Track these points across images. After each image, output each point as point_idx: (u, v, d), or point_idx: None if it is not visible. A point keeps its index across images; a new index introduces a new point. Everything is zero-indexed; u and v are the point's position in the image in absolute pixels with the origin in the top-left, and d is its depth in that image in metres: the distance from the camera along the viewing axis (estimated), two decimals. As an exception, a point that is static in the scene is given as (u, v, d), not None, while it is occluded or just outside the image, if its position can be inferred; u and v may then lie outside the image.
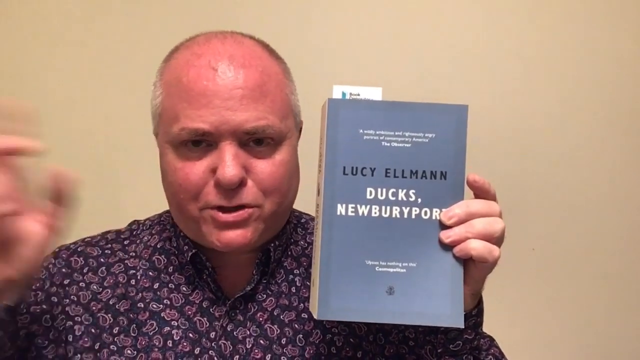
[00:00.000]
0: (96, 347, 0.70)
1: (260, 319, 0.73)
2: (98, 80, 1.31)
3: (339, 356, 0.73)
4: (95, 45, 1.30)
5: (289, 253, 0.79)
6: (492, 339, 0.76)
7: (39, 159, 0.53)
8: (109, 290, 0.74)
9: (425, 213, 0.61)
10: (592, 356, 1.29)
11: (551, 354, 1.29)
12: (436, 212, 0.61)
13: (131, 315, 0.72)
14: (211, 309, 0.73)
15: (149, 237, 0.79)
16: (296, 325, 0.74)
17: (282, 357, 0.72)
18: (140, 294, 0.74)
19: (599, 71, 1.27)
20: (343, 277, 0.59)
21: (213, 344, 0.71)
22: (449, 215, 0.60)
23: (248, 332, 0.72)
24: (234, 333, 0.72)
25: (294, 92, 0.75)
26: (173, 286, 0.74)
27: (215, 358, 0.71)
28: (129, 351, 0.70)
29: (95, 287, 0.74)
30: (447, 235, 0.60)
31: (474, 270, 0.61)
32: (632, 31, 1.27)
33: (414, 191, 0.61)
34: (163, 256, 0.76)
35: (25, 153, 0.52)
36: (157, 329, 0.72)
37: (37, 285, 0.73)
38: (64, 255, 0.76)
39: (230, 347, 0.71)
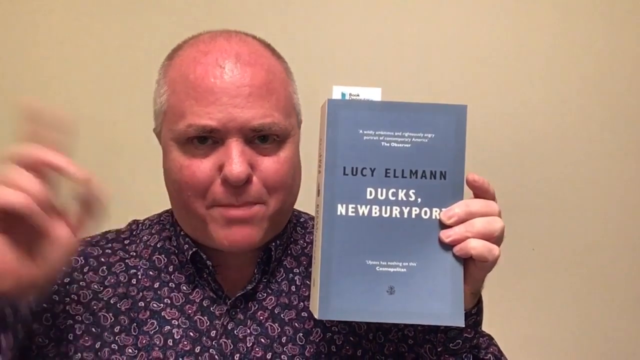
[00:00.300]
0: (97, 346, 0.70)
1: (261, 317, 0.74)
2: (98, 80, 1.31)
3: (339, 355, 0.73)
4: (95, 45, 1.31)
5: (289, 252, 0.79)
6: (491, 338, 0.76)
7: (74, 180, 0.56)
8: (110, 290, 0.74)
9: (425, 213, 0.61)
10: (592, 356, 1.29)
11: (551, 354, 1.29)
12: (436, 211, 0.61)
13: (132, 315, 0.72)
14: (211, 308, 0.73)
15: (149, 236, 0.79)
16: (296, 324, 0.74)
17: (282, 356, 0.72)
18: (140, 293, 0.74)
19: (599, 71, 1.27)
20: (343, 277, 0.59)
21: (214, 343, 0.71)
22: (448, 215, 0.60)
23: (249, 331, 0.73)
24: (235, 332, 0.72)
25: (296, 91, 0.76)
26: (173, 285, 0.75)
27: (215, 357, 0.71)
28: (129, 350, 0.70)
29: (96, 286, 0.74)
30: (447, 235, 0.60)
31: (474, 269, 0.61)
32: (632, 31, 1.27)
33: (413, 191, 0.61)
34: (163, 255, 0.77)
35: (64, 175, 0.55)
36: (157, 328, 0.72)
37: None
38: None
39: (230, 346, 0.71)
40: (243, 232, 0.69)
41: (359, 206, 0.60)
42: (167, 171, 0.72)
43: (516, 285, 1.27)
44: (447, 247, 0.60)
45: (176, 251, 0.76)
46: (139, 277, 0.75)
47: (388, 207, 0.61)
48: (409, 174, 0.61)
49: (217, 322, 0.73)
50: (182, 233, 0.75)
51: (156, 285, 0.74)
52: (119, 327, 0.72)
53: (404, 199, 0.61)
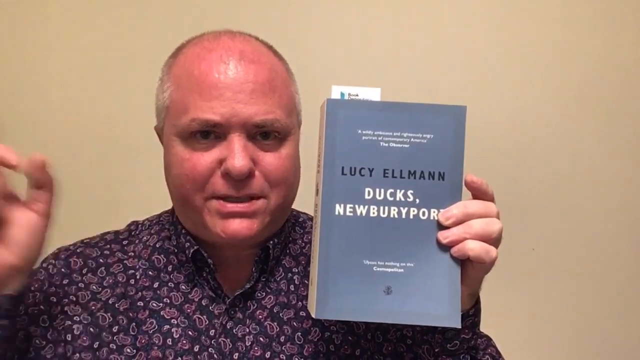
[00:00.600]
0: (95, 346, 0.71)
1: (260, 316, 0.74)
2: (98, 81, 1.31)
3: (337, 354, 0.73)
4: (96, 45, 1.31)
5: (288, 252, 0.79)
6: (489, 339, 0.76)
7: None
8: (109, 290, 0.74)
9: (423, 213, 0.61)
10: (591, 356, 1.29)
11: (551, 354, 1.29)
12: (434, 212, 0.61)
13: (130, 314, 0.72)
14: (210, 307, 0.74)
15: (148, 236, 0.79)
16: (295, 323, 0.74)
17: (281, 355, 0.72)
18: (139, 293, 0.74)
19: (599, 71, 1.27)
20: (341, 277, 0.59)
21: (212, 342, 0.72)
22: (446, 216, 0.60)
23: (247, 330, 0.73)
24: (234, 331, 0.72)
25: (297, 92, 0.77)
26: (172, 285, 0.75)
27: (214, 355, 0.71)
28: (128, 350, 0.71)
29: (94, 287, 0.74)
30: (444, 236, 0.60)
31: (472, 270, 0.61)
32: (632, 31, 1.27)
33: (412, 191, 0.61)
34: (162, 255, 0.77)
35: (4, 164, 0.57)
36: (156, 327, 0.72)
37: (36, 286, 0.73)
38: (62, 256, 0.76)
39: (229, 345, 0.72)
40: (242, 225, 0.69)
41: (357, 206, 0.60)
42: (168, 165, 0.72)
43: (516, 285, 1.28)
44: (445, 248, 0.60)
45: (176, 250, 0.77)
46: (138, 277, 0.75)
47: (386, 208, 0.61)
48: (407, 174, 0.61)
49: (216, 321, 0.73)
50: (182, 231, 0.75)
51: (155, 285, 0.75)
52: (117, 327, 0.72)
53: (402, 199, 0.61)
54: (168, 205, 0.81)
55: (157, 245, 0.78)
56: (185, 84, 0.69)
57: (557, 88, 1.27)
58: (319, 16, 1.29)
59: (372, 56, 1.28)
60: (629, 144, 1.27)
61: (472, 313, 0.66)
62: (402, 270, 0.60)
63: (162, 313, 0.73)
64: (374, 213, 0.60)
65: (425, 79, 1.28)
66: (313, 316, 0.60)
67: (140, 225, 0.82)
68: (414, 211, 0.61)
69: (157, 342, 0.71)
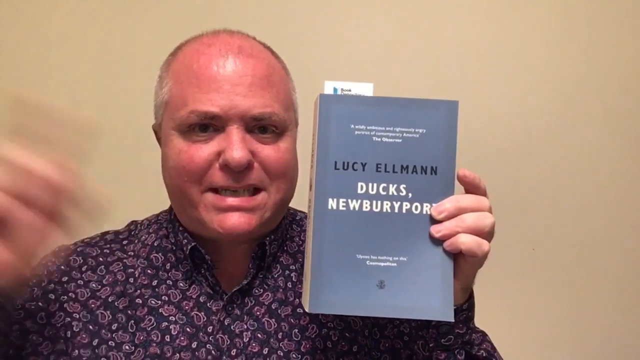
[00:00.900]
0: (94, 344, 0.71)
1: (258, 313, 0.74)
2: (98, 81, 1.32)
3: (334, 350, 0.74)
4: (96, 45, 1.32)
5: (285, 249, 0.80)
6: (484, 334, 0.76)
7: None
8: (108, 288, 0.75)
9: (416, 208, 0.61)
10: (591, 356, 1.28)
11: (551, 354, 1.29)
12: (427, 206, 0.61)
13: (129, 312, 0.73)
14: (208, 304, 0.74)
15: (147, 236, 0.80)
16: (292, 320, 0.75)
17: (278, 351, 0.72)
18: (138, 291, 0.74)
19: (600, 70, 1.27)
20: (334, 271, 0.60)
21: (210, 338, 0.72)
22: (439, 210, 0.61)
23: (245, 326, 0.73)
24: (231, 327, 0.73)
25: (294, 90, 0.78)
26: (171, 282, 0.75)
27: (212, 352, 0.71)
28: (126, 347, 0.71)
29: (94, 285, 0.75)
30: (437, 230, 0.60)
31: (464, 264, 0.61)
32: (632, 31, 1.26)
33: (404, 186, 0.61)
34: (160, 254, 0.77)
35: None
36: (155, 324, 0.72)
37: (34, 281, 0.74)
38: (62, 255, 0.77)
39: (227, 341, 0.72)
40: (240, 219, 0.69)
41: (349, 201, 0.61)
42: (165, 160, 0.73)
43: (516, 285, 1.27)
44: (438, 242, 0.61)
45: (174, 248, 0.77)
46: (137, 275, 0.76)
47: (379, 202, 0.61)
48: (400, 169, 0.61)
49: (213, 317, 0.73)
50: (180, 228, 0.76)
51: (154, 283, 0.75)
52: (116, 324, 0.72)
53: (395, 193, 0.61)
54: (168, 205, 0.81)
55: (155, 244, 0.78)
56: (184, 78, 0.70)
57: (557, 86, 1.27)
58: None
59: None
60: (629, 143, 1.27)
61: (465, 307, 0.66)
62: (395, 264, 0.60)
63: (160, 310, 0.73)
64: (366, 207, 0.61)
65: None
66: (307, 311, 0.60)
67: (139, 225, 0.83)
68: (406, 205, 0.61)
69: (155, 339, 0.72)
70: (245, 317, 0.74)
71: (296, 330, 0.74)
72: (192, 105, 0.68)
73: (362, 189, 0.61)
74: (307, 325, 0.74)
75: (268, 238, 0.75)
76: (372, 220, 0.61)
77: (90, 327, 0.72)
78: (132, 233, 0.81)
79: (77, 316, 0.72)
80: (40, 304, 0.72)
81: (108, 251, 0.78)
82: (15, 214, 0.52)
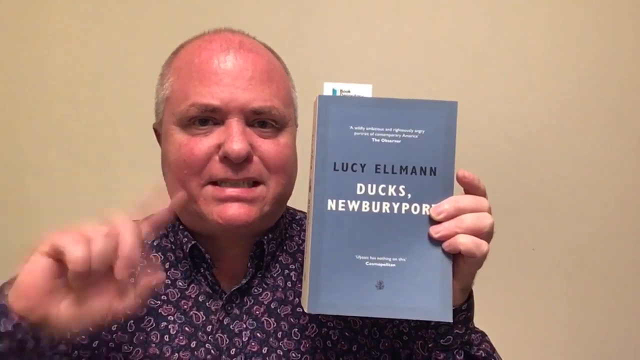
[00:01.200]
0: (94, 345, 0.71)
1: (257, 312, 0.74)
2: (98, 81, 1.32)
3: (334, 350, 0.74)
4: (96, 45, 1.32)
5: (284, 248, 0.80)
6: (483, 334, 0.76)
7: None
8: None
9: (415, 208, 0.61)
10: (591, 356, 1.29)
11: (551, 354, 1.29)
12: (426, 207, 0.61)
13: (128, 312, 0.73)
14: (207, 303, 0.74)
15: (146, 235, 0.80)
16: (292, 319, 0.75)
17: (278, 351, 0.72)
18: None
19: (600, 71, 1.27)
20: (333, 272, 0.60)
21: (209, 338, 0.72)
22: (438, 211, 0.60)
23: (244, 326, 0.73)
24: (231, 326, 0.73)
25: (294, 89, 0.78)
26: (169, 282, 0.75)
27: (211, 351, 0.71)
28: (126, 347, 0.71)
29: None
30: (436, 231, 0.60)
31: (463, 265, 0.61)
32: (632, 31, 1.26)
33: (403, 187, 0.61)
34: (159, 253, 0.78)
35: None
36: (154, 324, 0.73)
37: None
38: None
39: (226, 341, 0.72)
40: (240, 209, 0.69)
41: (349, 201, 0.61)
42: (166, 154, 0.73)
43: (516, 285, 1.27)
44: (437, 242, 0.61)
45: (173, 247, 0.77)
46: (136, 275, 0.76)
47: (378, 203, 0.61)
48: (399, 169, 0.61)
49: (212, 317, 0.73)
50: (180, 227, 0.76)
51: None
52: (115, 325, 0.72)
53: (394, 194, 0.61)
54: (167, 205, 0.81)
55: (155, 244, 0.79)
56: (185, 73, 0.71)
57: (557, 87, 1.27)
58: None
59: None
60: (629, 144, 1.27)
61: (464, 308, 0.66)
62: (394, 265, 0.60)
63: (159, 310, 0.73)
64: (366, 208, 0.61)
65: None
66: (306, 311, 0.60)
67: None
68: (405, 206, 0.61)
69: (154, 339, 0.72)
70: (245, 316, 0.74)
71: (296, 329, 0.74)
72: (193, 98, 0.69)
73: (361, 189, 0.61)
74: (306, 325, 0.75)
75: (266, 237, 0.75)
76: (371, 221, 0.61)
77: (91, 328, 0.72)
78: None
79: None
80: None
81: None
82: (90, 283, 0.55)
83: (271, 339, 0.73)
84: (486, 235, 0.61)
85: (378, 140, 0.61)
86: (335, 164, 0.61)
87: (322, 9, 1.29)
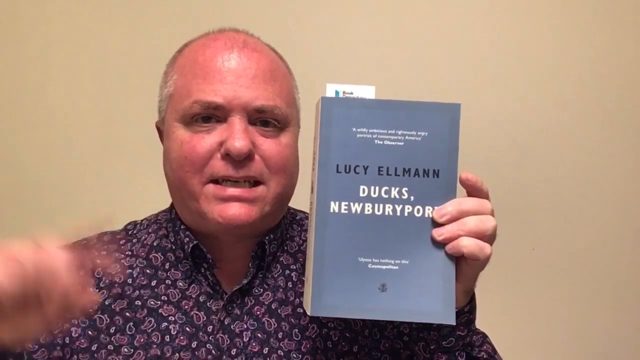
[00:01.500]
0: (93, 348, 0.71)
1: (258, 312, 0.74)
2: (98, 81, 1.32)
3: (334, 350, 0.74)
4: (95, 45, 1.32)
5: (285, 249, 0.80)
6: (485, 336, 0.76)
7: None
8: (105, 292, 0.74)
9: (418, 211, 0.61)
10: (591, 356, 1.29)
11: (551, 354, 1.29)
12: (429, 209, 0.61)
13: (127, 314, 0.73)
14: (208, 303, 0.74)
15: (146, 235, 0.80)
16: (292, 320, 0.75)
17: (278, 351, 0.72)
18: (137, 292, 0.74)
19: (600, 71, 1.27)
20: (336, 274, 0.60)
21: (210, 338, 0.72)
22: (441, 213, 0.60)
23: (245, 326, 0.73)
24: (231, 327, 0.73)
25: (297, 89, 0.78)
26: (170, 282, 0.75)
27: (212, 351, 0.71)
28: (125, 349, 0.71)
29: (91, 289, 0.74)
30: (439, 233, 0.60)
31: (466, 267, 0.61)
32: (632, 31, 1.26)
33: (406, 189, 0.61)
34: (160, 253, 0.77)
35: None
36: (155, 325, 0.72)
37: None
38: None
39: (227, 341, 0.72)
40: (241, 209, 0.69)
41: (352, 204, 0.61)
42: (168, 152, 0.73)
43: (516, 286, 1.27)
44: (439, 245, 0.61)
45: (173, 247, 0.77)
46: (135, 276, 0.76)
47: (381, 205, 0.61)
48: (402, 172, 0.61)
49: (213, 317, 0.73)
50: (182, 227, 0.76)
51: (153, 283, 0.75)
52: (114, 327, 0.72)
53: (397, 196, 0.61)
54: (167, 205, 0.81)
55: (155, 244, 0.78)
56: (189, 70, 0.71)
57: (558, 88, 1.27)
58: (313, 15, 1.29)
59: (367, 54, 1.28)
60: (629, 144, 1.27)
61: (467, 310, 0.66)
62: (396, 267, 0.60)
63: (160, 311, 0.73)
64: (368, 210, 0.61)
65: (420, 77, 1.28)
66: (308, 314, 0.60)
67: (138, 225, 0.82)
68: (408, 208, 0.61)
69: (155, 340, 0.71)
70: (245, 316, 0.74)
71: (296, 330, 0.74)
72: (196, 96, 0.69)
73: (364, 192, 0.61)
74: (307, 325, 0.74)
75: (267, 237, 0.75)
76: (374, 224, 0.61)
77: (89, 332, 0.72)
78: (130, 233, 0.81)
79: (76, 322, 0.72)
80: None
81: (105, 252, 0.78)
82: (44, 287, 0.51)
83: (272, 340, 0.73)
84: (489, 237, 0.61)
85: (381, 142, 0.61)
86: (338, 166, 0.61)
87: (324, 10, 1.29)
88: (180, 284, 0.75)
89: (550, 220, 1.28)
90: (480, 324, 0.75)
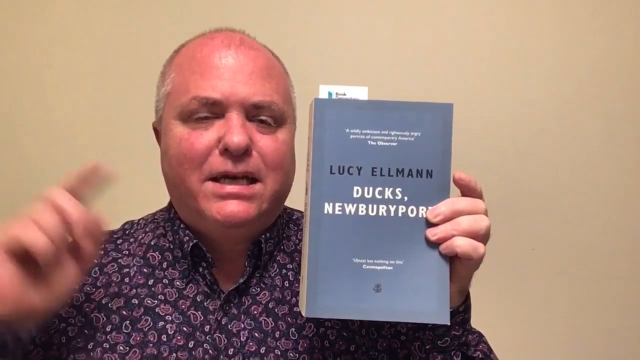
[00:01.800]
0: (89, 347, 0.71)
1: (255, 312, 0.74)
2: (98, 81, 1.33)
3: (332, 350, 0.74)
4: (96, 45, 1.33)
5: (282, 248, 0.80)
6: (480, 335, 0.77)
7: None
8: (102, 290, 0.75)
9: (412, 211, 0.61)
10: (591, 356, 1.29)
11: (551, 354, 1.29)
12: (422, 210, 0.61)
13: (124, 312, 0.73)
14: (205, 303, 0.74)
15: (143, 235, 0.80)
16: (289, 319, 0.75)
17: (275, 350, 0.72)
18: (134, 291, 0.74)
19: (600, 71, 1.27)
20: (330, 275, 0.60)
21: (207, 337, 0.72)
22: (435, 213, 0.61)
23: (242, 325, 0.73)
24: (229, 326, 0.73)
25: (292, 88, 0.79)
26: (167, 281, 0.75)
27: (209, 351, 0.71)
28: (121, 347, 0.71)
29: (88, 288, 0.75)
30: (433, 233, 0.60)
31: (460, 267, 0.62)
32: (632, 31, 1.26)
33: (400, 189, 0.61)
34: (157, 253, 0.78)
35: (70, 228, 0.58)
36: (151, 324, 0.72)
37: None
38: None
39: (224, 341, 0.72)
40: (239, 206, 0.69)
41: (345, 205, 0.61)
42: (166, 149, 0.73)
43: (516, 286, 1.27)
44: (433, 245, 0.61)
45: (171, 247, 0.77)
46: (132, 275, 0.76)
47: (375, 206, 0.61)
48: (395, 172, 0.61)
49: (210, 316, 0.73)
50: (181, 226, 0.76)
51: (150, 282, 0.75)
52: (110, 326, 0.72)
53: (391, 197, 0.61)
54: (164, 206, 0.82)
55: (152, 243, 0.79)
56: (186, 67, 0.72)
57: (556, 86, 1.27)
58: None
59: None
60: (629, 144, 1.27)
61: (462, 310, 0.66)
62: (391, 267, 0.60)
63: (156, 310, 0.73)
64: (362, 211, 0.61)
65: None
66: (304, 315, 0.60)
67: (135, 225, 0.83)
68: (402, 209, 0.61)
69: (152, 339, 0.72)
70: (243, 316, 0.74)
71: (293, 329, 0.74)
72: (194, 92, 0.69)
73: (357, 193, 0.61)
74: (304, 324, 0.75)
75: (264, 236, 0.76)
76: (368, 224, 0.61)
77: (86, 331, 0.72)
78: (127, 232, 0.82)
79: (73, 321, 0.72)
80: None
81: (102, 252, 0.78)
82: (56, 260, 0.57)
83: (269, 339, 0.73)
84: (483, 237, 0.61)
85: (374, 143, 0.61)
86: (331, 167, 0.61)
87: (317, 11, 1.30)
88: (178, 283, 0.75)
89: (550, 220, 1.28)
90: (480, 323, 0.75)
